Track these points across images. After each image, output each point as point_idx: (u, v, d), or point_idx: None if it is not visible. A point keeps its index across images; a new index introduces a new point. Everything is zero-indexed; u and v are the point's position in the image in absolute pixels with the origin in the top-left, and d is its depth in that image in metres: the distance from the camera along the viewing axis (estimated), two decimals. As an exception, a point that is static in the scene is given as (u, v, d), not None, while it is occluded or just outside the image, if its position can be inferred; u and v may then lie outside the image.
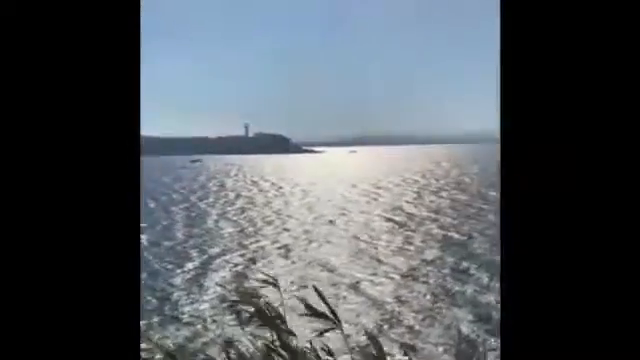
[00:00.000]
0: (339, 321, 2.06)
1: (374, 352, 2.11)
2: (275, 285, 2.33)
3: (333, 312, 2.08)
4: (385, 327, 12.70)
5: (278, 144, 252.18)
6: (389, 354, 9.98)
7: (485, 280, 16.22)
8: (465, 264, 18.34)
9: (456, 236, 23.65)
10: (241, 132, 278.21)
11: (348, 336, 2.23)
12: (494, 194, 41.04)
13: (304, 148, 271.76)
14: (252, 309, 2.22)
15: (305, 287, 15.34)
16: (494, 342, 11.48)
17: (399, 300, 14.70)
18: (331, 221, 28.91)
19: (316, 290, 2.18)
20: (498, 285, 12.11)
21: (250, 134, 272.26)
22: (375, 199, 40.02)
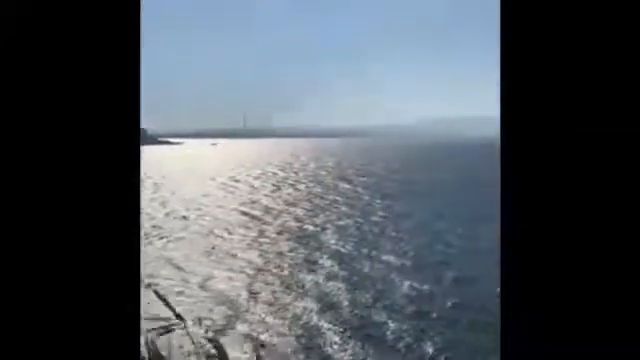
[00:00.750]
0: (182, 319, 2.10)
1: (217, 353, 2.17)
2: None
3: (174, 310, 2.09)
4: (236, 322, 12.48)
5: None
6: (246, 350, 9.72)
7: (335, 269, 16.85)
8: (317, 254, 18.89)
9: (311, 228, 24.29)
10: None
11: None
12: (347, 186, 43.08)
13: (160, 139, 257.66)
14: None
15: (151, 286, 14.45)
16: (341, 329, 11.95)
17: (252, 294, 14.60)
18: (184, 216, 27.81)
19: (156, 293, 2.20)
20: (345, 274, 12.59)
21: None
22: (232, 192, 39.52)
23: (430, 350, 10.87)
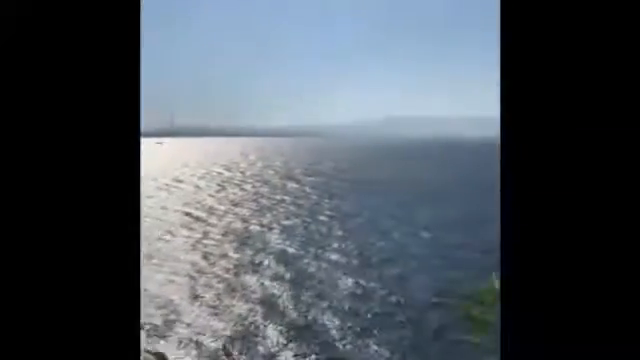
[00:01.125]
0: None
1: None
2: None
3: None
4: (177, 325, 12.13)
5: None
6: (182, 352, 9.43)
7: (281, 270, 16.73)
8: (262, 255, 18.71)
9: (257, 228, 24.03)
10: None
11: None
12: (295, 185, 43.02)
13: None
14: None
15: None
16: (286, 329, 11.86)
17: (195, 297, 14.25)
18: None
19: None
20: (291, 274, 12.48)
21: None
22: (175, 193, 38.53)
23: (374, 347, 10.98)
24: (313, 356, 10.64)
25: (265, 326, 12.11)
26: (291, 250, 19.60)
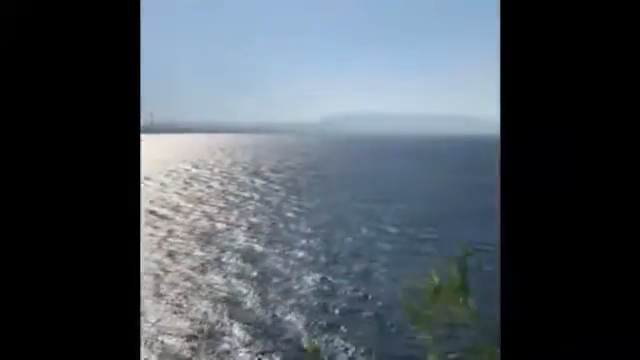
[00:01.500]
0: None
1: None
2: None
3: None
4: (141, 323, 11.88)
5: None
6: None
7: (248, 268, 16.60)
8: (229, 253, 18.53)
9: (223, 226, 23.78)
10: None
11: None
12: (262, 182, 42.79)
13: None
14: None
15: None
16: (252, 328, 11.79)
17: (159, 295, 14.00)
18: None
19: None
20: (257, 273, 12.37)
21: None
22: (141, 190, 37.73)
23: (341, 342, 11.03)
24: (279, 353, 10.60)
25: (231, 324, 11.99)
26: (258, 247, 19.47)
